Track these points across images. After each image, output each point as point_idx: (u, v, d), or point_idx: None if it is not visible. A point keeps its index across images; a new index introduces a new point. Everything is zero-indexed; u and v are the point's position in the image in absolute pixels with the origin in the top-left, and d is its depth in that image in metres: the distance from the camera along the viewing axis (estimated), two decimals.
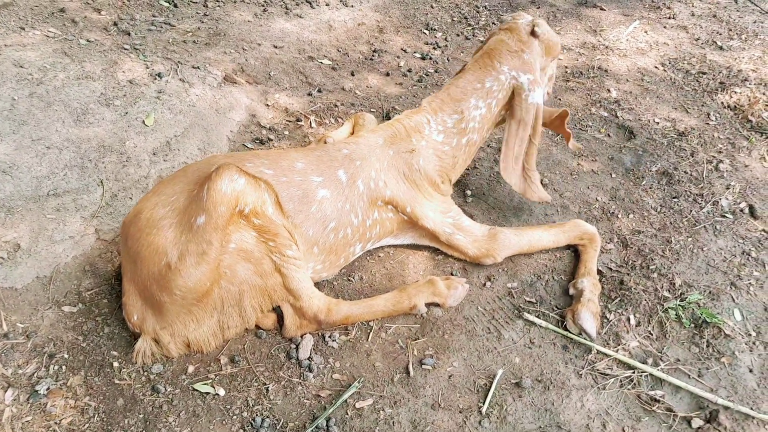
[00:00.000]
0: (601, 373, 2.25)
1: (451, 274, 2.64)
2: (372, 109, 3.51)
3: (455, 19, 4.62)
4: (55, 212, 2.49)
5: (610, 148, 3.37)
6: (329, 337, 2.34)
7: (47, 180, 2.58)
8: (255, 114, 3.35)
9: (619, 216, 2.94)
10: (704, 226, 2.89)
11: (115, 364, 2.17)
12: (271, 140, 3.22)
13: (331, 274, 2.50)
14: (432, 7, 4.71)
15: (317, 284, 2.46)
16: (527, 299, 2.54)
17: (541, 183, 3.09)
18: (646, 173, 3.20)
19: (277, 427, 2.05)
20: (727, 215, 2.95)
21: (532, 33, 2.58)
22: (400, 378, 2.21)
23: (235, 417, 2.06)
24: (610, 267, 2.69)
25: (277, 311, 2.34)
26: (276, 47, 3.85)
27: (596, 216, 2.94)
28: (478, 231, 2.65)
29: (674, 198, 3.05)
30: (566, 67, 4.08)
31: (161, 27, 3.76)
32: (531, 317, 2.45)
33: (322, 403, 2.13)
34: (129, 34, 3.62)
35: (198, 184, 2.12)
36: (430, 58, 4.10)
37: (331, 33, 4.14)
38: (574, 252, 2.74)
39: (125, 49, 3.48)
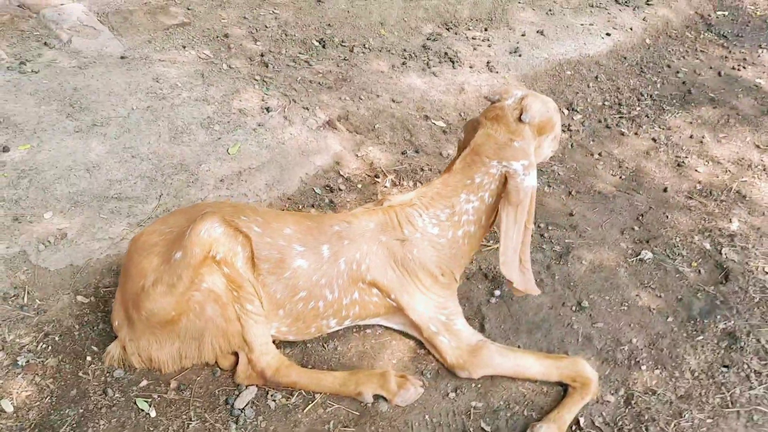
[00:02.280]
0: None
1: (421, 374, 2.54)
2: None
3: (607, 103, 4.30)
4: (109, 213, 2.90)
5: (688, 287, 2.92)
6: (271, 395, 2.42)
7: (117, 184, 3.01)
8: (340, 162, 3.51)
9: (644, 368, 2.56)
10: (738, 411, 2.39)
11: (89, 358, 2.49)
12: (341, 190, 3.36)
13: (300, 339, 2.56)
14: (588, 86, 4.44)
15: (290, 342, 2.55)
16: (482, 426, 2.35)
17: (580, 304, 2.81)
18: (710, 328, 2.72)
19: None
20: None
21: (520, 119, 2.37)
22: None
23: None
24: (594, 422, 2.36)
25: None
26: (394, 101, 3.97)
27: (617, 360, 2.59)
28: (467, 339, 2.51)
29: (724, 366, 2.56)
30: (699, 182, 3.59)
31: (299, 64, 4.09)
32: None
33: None
34: (267, 66, 4.01)
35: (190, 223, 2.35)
36: None
37: (460, 96, 4.13)
38: (565, 391, 2.45)
39: (255, 79, 3.87)
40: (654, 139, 3.97)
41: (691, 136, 4.01)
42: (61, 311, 2.62)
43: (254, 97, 3.71)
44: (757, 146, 3.93)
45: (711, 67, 4.83)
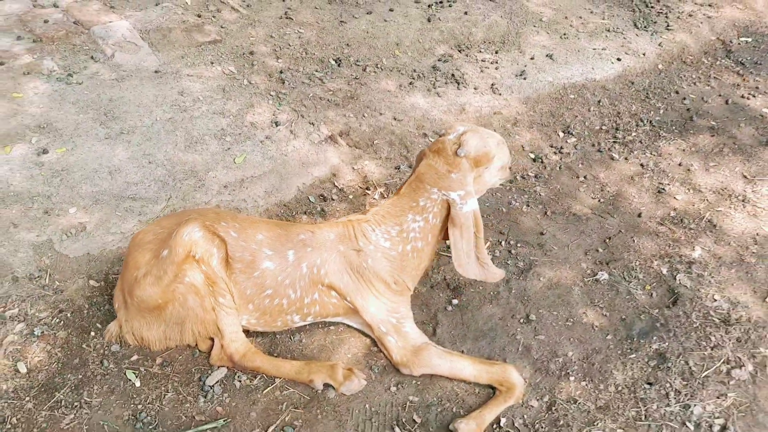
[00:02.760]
0: None
1: (370, 368, 2.88)
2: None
3: (604, 127, 4.50)
4: (123, 211, 3.38)
5: (635, 309, 3.14)
6: (238, 376, 2.82)
7: (134, 186, 3.49)
8: (336, 174, 3.89)
9: (572, 378, 2.82)
10: (650, 425, 2.63)
11: (92, 333, 2.96)
12: (333, 200, 3.74)
13: (269, 330, 2.95)
14: (589, 110, 4.65)
15: (261, 332, 2.96)
16: (414, 417, 2.68)
17: (528, 317, 3.09)
18: (643, 347, 2.95)
19: (150, 426, 2.62)
20: (687, 425, 2.62)
21: (456, 153, 2.68)
22: (254, 431, 2.61)
23: (131, 405, 2.68)
24: (515, 423, 2.65)
25: None
26: (396, 119, 4.31)
27: (549, 370, 2.86)
28: (412, 340, 2.84)
29: (648, 383, 2.79)
30: (675, 209, 3.77)
31: (313, 82, 4.49)
32: None
33: (192, 424, 2.64)
34: (284, 82, 4.43)
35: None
36: (541, 162, 4.14)
37: (460, 116, 4.43)
38: (494, 393, 2.75)
39: (270, 95, 4.29)
40: (642, 165, 4.16)
41: (680, 164, 4.17)
42: (75, 292, 3.11)
43: (266, 112, 4.13)
44: (745, 176, 4.06)
45: (720, 95, 4.93)
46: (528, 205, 3.81)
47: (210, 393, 2.75)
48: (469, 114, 4.46)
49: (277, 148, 3.89)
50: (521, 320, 3.10)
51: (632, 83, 4.99)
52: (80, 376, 2.78)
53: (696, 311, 3.11)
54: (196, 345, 2.93)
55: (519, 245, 3.53)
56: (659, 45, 5.41)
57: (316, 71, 4.64)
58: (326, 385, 2.78)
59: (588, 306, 3.18)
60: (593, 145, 4.33)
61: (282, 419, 2.67)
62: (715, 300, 3.19)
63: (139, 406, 2.69)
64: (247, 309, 2.84)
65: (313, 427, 2.65)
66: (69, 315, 3.01)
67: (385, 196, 3.79)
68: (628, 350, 2.96)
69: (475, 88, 4.69)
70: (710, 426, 2.64)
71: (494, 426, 2.66)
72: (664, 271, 3.36)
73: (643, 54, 5.27)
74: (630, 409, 2.70)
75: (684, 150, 4.32)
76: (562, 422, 2.66)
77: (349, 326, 3.05)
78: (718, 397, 2.74)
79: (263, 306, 2.82)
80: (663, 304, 3.18)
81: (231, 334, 2.83)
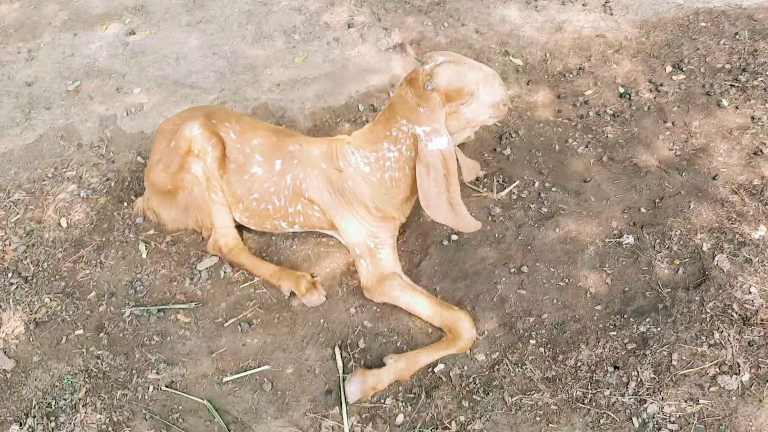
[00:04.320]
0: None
1: (340, 285, 2.95)
2: (513, 131, 3.53)
3: (728, 66, 3.78)
4: (179, 97, 3.67)
5: (645, 283, 2.79)
6: (224, 268, 3.06)
7: (194, 75, 3.74)
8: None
9: (533, 342, 2.64)
10: (589, 410, 2.41)
11: (125, 204, 3.34)
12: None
13: (260, 230, 3.11)
14: (719, 43, 3.91)
15: (260, 232, 3.14)
16: (359, 342, 2.74)
17: (520, 268, 2.90)
18: (630, 327, 2.64)
19: (140, 295, 2.98)
20: (633, 421, 2.36)
21: (424, 85, 2.47)
22: (216, 319, 2.85)
23: (132, 272, 3.05)
24: (451, 372, 2.59)
25: None
26: (478, 32, 4.02)
27: (515, 328, 2.70)
28: (382, 268, 2.83)
29: (614, 367, 2.53)
30: (763, 177, 3.15)
31: None
32: (338, 356, 2.69)
33: (171, 301, 2.95)
34: None
35: None
36: (629, 99, 3.65)
37: (555, 35, 4.00)
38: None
39: None
40: (753, 118, 3.48)
41: None
42: (124, 165, 3.51)
43: (345, 12, 4.08)
44: None
45: None
46: (586, 147, 3.43)
47: (197, 277, 3.03)
48: (566, 34, 4.01)
49: (341, 51, 3.86)
50: (512, 270, 2.91)
51: None
52: (104, 239, 3.20)
53: (716, 300, 2.69)
54: (201, 231, 3.19)
55: (554, 189, 3.24)
56: None
57: None
58: (293, 293, 2.91)
59: (594, 269, 2.88)
60: (703, 86, 3.69)
61: (244, 315, 2.87)
62: (749, 293, 2.71)
63: (138, 275, 3.05)
64: (237, 208, 3.00)
65: (266, 328, 2.82)
66: (113, 184, 3.42)
67: None
68: (611, 326, 2.67)
69: (583, 5, 4.16)
70: (658, 429, 2.35)
71: (429, 370, 2.62)
72: (705, 247, 2.89)
73: None
74: (577, 389, 2.50)
75: None
76: (497, 383, 2.54)
77: (340, 241, 3.10)
78: (686, 401, 2.42)
79: (251, 208, 2.97)
80: (683, 285, 2.78)
81: (222, 228, 3.03)
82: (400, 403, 2.53)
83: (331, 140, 2.87)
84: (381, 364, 2.60)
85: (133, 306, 2.92)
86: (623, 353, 2.58)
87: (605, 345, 2.61)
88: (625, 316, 2.70)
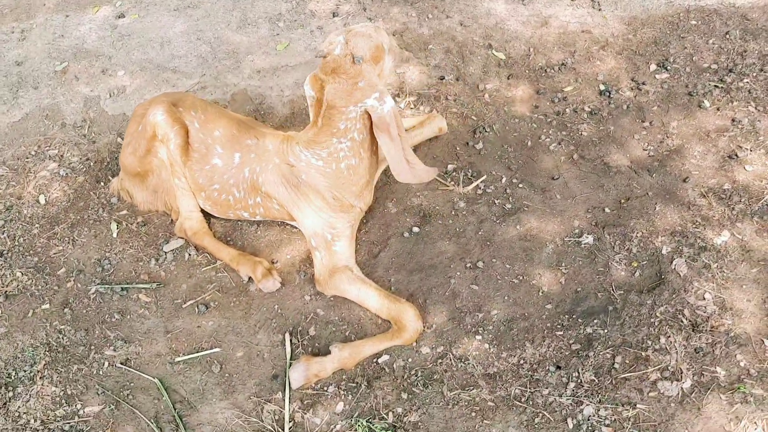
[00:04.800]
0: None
1: (298, 272, 2.99)
2: (488, 125, 3.53)
3: (714, 67, 3.70)
4: (160, 81, 3.73)
5: (599, 284, 2.79)
6: (189, 250, 3.12)
7: (177, 59, 3.80)
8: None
9: (478, 338, 2.67)
10: (525, 408, 2.43)
11: (102, 184, 3.42)
12: None
13: (224, 218, 3.16)
14: (708, 42, 3.83)
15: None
16: (309, 330, 2.79)
17: (476, 264, 2.92)
18: (576, 328, 2.65)
19: (106, 273, 3.07)
20: (568, 421, 2.38)
21: (353, 62, 2.50)
22: (176, 300, 2.92)
23: (102, 251, 3.13)
24: (394, 364, 2.63)
25: None
26: (462, 24, 4.00)
27: (463, 322, 2.72)
28: (336, 261, 2.86)
29: (556, 367, 2.55)
30: (734, 182, 3.10)
31: None
32: (287, 342, 2.75)
33: (135, 280, 3.03)
34: None
35: None
36: (608, 97, 3.61)
37: (540, 30, 3.96)
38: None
39: None
40: (733, 120, 3.42)
41: None
42: (104, 146, 3.58)
43: (330, 1, 4.09)
44: None
45: None
46: (559, 144, 3.41)
47: (162, 258, 3.10)
48: (552, 29, 3.97)
49: (324, 40, 3.87)
50: (468, 265, 2.93)
51: None
52: (79, 217, 3.28)
53: (668, 305, 2.67)
54: (171, 213, 3.26)
55: (521, 185, 3.23)
56: None
57: None
58: (250, 278, 2.96)
59: (550, 268, 2.88)
60: (686, 86, 3.63)
61: (203, 297, 2.94)
62: (703, 299, 2.69)
63: (107, 254, 3.13)
64: (200, 196, 3.06)
65: (222, 311, 2.88)
66: (92, 164, 3.50)
67: (412, 107, 3.64)
68: (559, 326, 2.68)
69: (572, 0, 4.11)
70: (592, 431, 2.36)
71: (374, 360, 2.66)
72: (665, 251, 2.87)
73: None
74: (516, 387, 2.52)
75: None
76: (437, 377, 2.57)
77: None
78: (623, 405, 2.42)
79: (213, 197, 3.03)
80: (637, 288, 2.77)
81: (186, 212, 3.10)
82: (342, 392, 2.57)
83: (285, 136, 2.90)
84: (327, 352, 2.64)
85: (98, 284, 3.01)
86: (567, 353, 2.59)
87: (550, 344, 2.62)
88: (574, 316, 2.70)
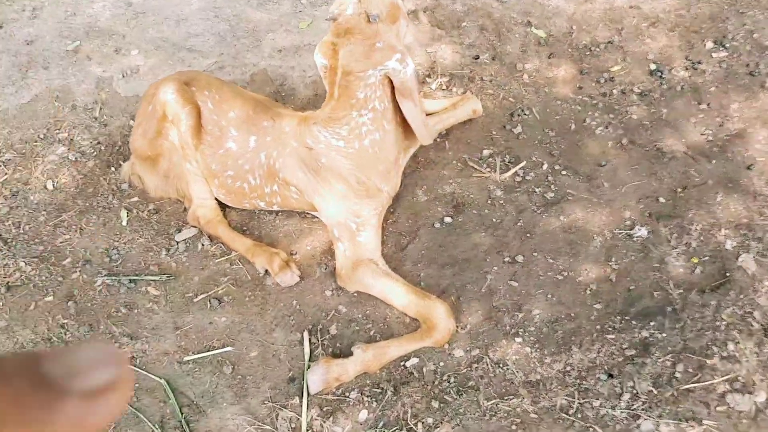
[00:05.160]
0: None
1: (318, 265, 2.74)
2: (527, 108, 3.24)
3: None
4: (176, 60, 3.50)
5: (655, 281, 2.49)
6: (202, 241, 2.89)
7: (194, 38, 3.56)
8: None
9: (518, 340, 2.38)
10: (573, 422, 2.14)
11: (113, 169, 3.20)
12: None
13: (239, 207, 2.93)
14: None
15: None
16: (330, 328, 2.54)
17: (515, 258, 2.64)
18: (631, 331, 2.35)
19: (114, 263, 2.85)
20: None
21: (369, 20, 2.26)
22: (186, 294, 2.69)
23: (111, 240, 2.91)
24: (424, 367, 2.36)
25: None
26: (500, 0, 3.71)
27: (501, 323, 2.45)
28: (360, 253, 2.61)
29: (608, 375, 2.25)
30: None
31: None
32: (305, 342, 2.49)
33: (144, 272, 2.81)
34: None
35: None
36: (660, 77, 3.29)
37: (584, 5, 3.64)
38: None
39: None
40: None
41: None
42: (116, 129, 3.37)
43: None
44: None
45: None
46: (606, 127, 3.10)
47: (174, 248, 2.87)
48: (597, 4, 3.65)
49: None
50: (506, 259, 2.65)
51: None
52: (87, 204, 3.07)
53: (735, 306, 2.36)
54: (183, 201, 3.03)
55: (564, 172, 2.93)
56: None
57: None
58: (267, 271, 2.72)
59: (598, 263, 2.59)
60: (747, 65, 3.29)
61: (216, 291, 2.71)
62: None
63: (116, 243, 2.91)
64: (213, 183, 2.84)
65: (236, 307, 2.65)
66: (103, 148, 3.29)
67: (444, 88, 3.36)
68: (610, 329, 2.38)
69: None
70: None
71: (401, 364, 2.40)
72: (729, 245, 2.56)
73: None
74: (562, 396, 2.23)
75: None
76: (472, 383, 2.30)
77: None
78: (687, 420, 2.12)
79: (227, 185, 2.79)
80: (698, 287, 2.46)
81: (198, 200, 2.87)
82: (366, 398, 2.31)
83: (302, 117, 2.65)
84: (349, 354, 2.39)
85: (105, 275, 2.79)
86: (620, 360, 2.29)
87: (600, 349, 2.33)
88: (627, 317, 2.41)
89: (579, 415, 2.18)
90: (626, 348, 2.32)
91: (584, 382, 2.25)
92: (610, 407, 2.18)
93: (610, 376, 2.26)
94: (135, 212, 3.02)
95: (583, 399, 2.21)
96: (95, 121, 3.39)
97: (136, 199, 3.08)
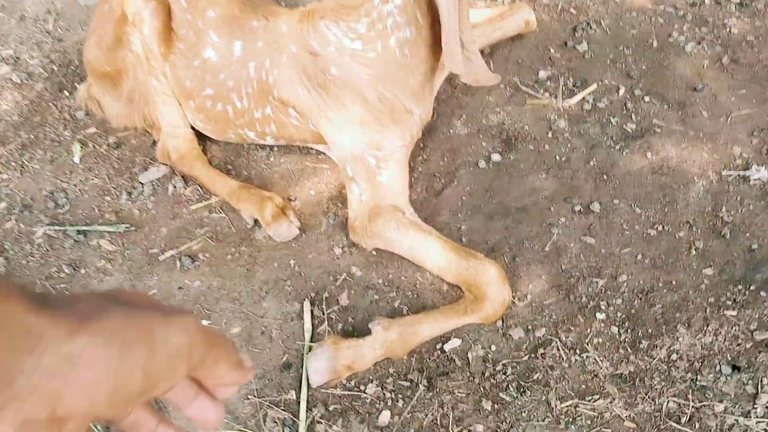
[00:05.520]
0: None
1: (325, 214, 2.08)
2: (593, 20, 2.56)
3: None
4: None
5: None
6: (174, 182, 2.24)
7: None
8: None
9: (601, 317, 1.73)
10: None
11: (66, 93, 2.55)
12: None
13: (223, 140, 2.27)
14: None
15: None
16: (339, 298, 1.87)
17: (589, 206, 1.96)
18: (756, 305, 1.68)
19: (59, 210, 2.20)
20: None
21: None
22: (151, 249, 2.04)
23: (57, 181, 2.27)
24: (469, 353, 1.70)
25: None
26: None
27: (574, 293, 1.79)
28: (381, 197, 1.93)
29: (731, 367, 1.59)
30: None
31: None
32: (306, 315, 1.84)
33: (98, 221, 2.16)
34: None
35: None
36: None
37: None
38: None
39: None
40: None
41: None
42: (72, 45, 2.72)
43: None
44: None
45: None
46: (698, 44, 2.41)
47: (137, 191, 2.23)
48: None
49: None
50: (577, 208, 1.98)
51: None
52: (32, 137, 2.43)
53: None
54: (152, 131, 2.38)
55: (647, 99, 2.25)
56: None
57: None
58: (257, 221, 2.06)
59: (704, 214, 1.91)
60: None
61: (188, 246, 2.06)
62: None
63: (64, 185, 2.28)
64: (188, 106, 2.19)
65: (215, 267, 2.00)
66: (55, 68, 2.64)
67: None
68: (729, 302, 1.72)
69: None
70: None
71: (437, 347, 1.73)
72: None
73: None
74: (668, 397, 1.56)
75: None
76: (539, 377, 1.64)
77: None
78: None
79: (206, 109, 2.14)
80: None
81: (168, 128, 2.23)
82: (388, 394, 1.66)
83: (304, 12, 1.95)
84: (366, 332, 1.73)
85: (47, 224, 2.14)
86: (748, 346, 1.63)
87: (719, 330, 1.66)
88: (752, 287, 1.74)
89: (696, 425, 1.51)
90: (755, 330, 1.65)
91: (699, 377, 1.59)
92: (741, 414, 1.51)
93: (736, 368, 1.59)
94: (91, 146, 2.38)
95: (700, 401, 1.55)
96: (48, 35, 2.75)
97: (93, 130, 2.44)
